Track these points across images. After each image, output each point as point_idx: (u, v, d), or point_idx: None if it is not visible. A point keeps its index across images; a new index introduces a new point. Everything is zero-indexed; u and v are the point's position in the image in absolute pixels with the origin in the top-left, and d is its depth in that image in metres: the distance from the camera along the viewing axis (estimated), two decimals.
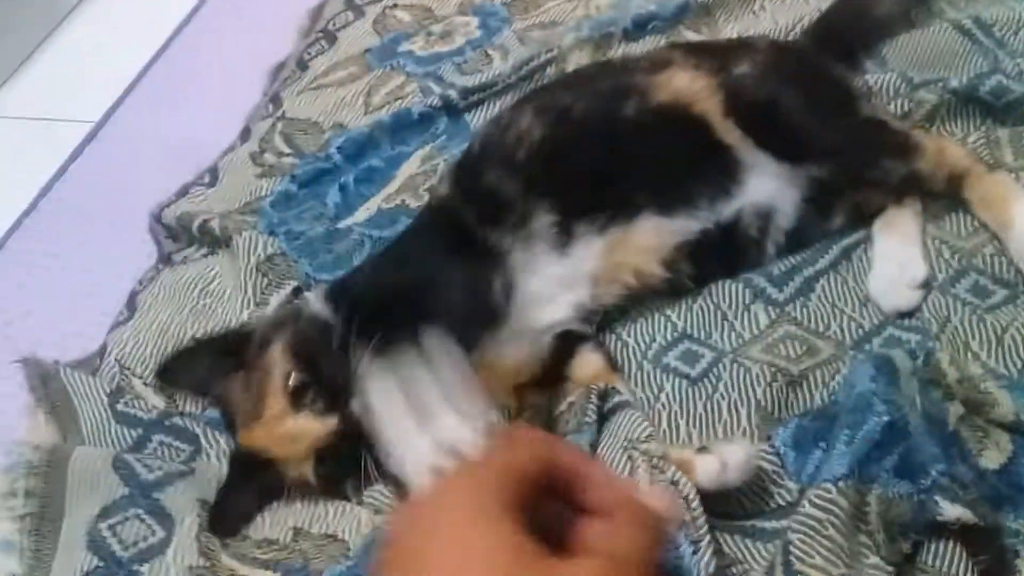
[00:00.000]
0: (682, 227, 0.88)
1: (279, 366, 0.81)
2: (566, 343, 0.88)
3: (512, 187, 0.88)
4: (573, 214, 0.87)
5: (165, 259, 1.14)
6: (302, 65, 1.35)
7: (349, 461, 0.78)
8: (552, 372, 0.87)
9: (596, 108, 0.92)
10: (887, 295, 0.87)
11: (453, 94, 1.18)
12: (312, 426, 0.78)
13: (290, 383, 0.79)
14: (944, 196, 0.92)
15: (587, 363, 0.87)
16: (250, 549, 0.82)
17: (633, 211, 0.88)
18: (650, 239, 0.88)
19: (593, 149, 0.90)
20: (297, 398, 0.79)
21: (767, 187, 0.90)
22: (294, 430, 0.78)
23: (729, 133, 0.90)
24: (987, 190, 0.90)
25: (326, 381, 0.79)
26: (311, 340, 0.82)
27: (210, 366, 0.86)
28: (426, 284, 0.85)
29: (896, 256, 0.89)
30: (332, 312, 0.84)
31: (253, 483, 0.82)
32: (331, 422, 0.78)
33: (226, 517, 0.83)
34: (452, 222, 0.90)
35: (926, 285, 0.87)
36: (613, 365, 0.87)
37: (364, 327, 0.78)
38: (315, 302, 0.87)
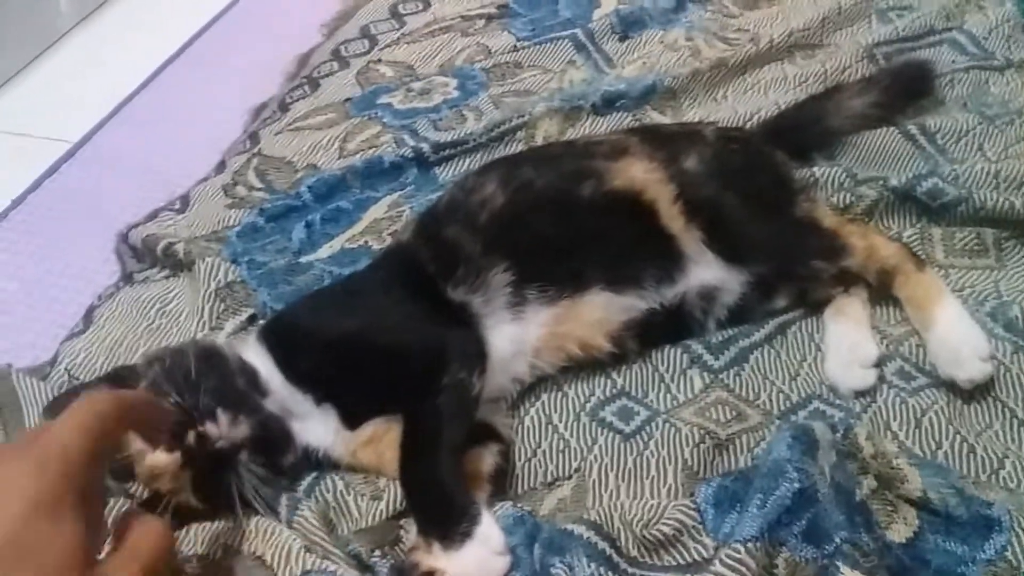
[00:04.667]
0: (630, 304, 0.93)
1: None
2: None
3: (471, 245, 0.92)
4: (527, 279, 0.91)
5: (127, 278, 1.16)
6: (283, 107, 1.40)
7: (219, 484, 0.80)
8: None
9: (556, 184, 0.97)
10: (843, 377, 0.91)
11: (425, 147, 1.23)
12: (162, 460, 0.80)
13: None
14: (876, 289, 0.97)
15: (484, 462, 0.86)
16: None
17: (583, 284, 0.92)
18: (598, 313, 0.92)
19: (549, 221, 0.95)
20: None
21: (710, 275, 0.95)
22: (151, 466, 0.81)
23: (674, 221, 0.94)
24: (913, 290, 0.95)
25: (175, 417, 0.80)
26: (170, 378, 0.83)
27: None
28: (370, 321, 0.89)
29: (848, 341, 0.93)
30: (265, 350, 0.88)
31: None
32: (177, 456, 0.80)
33: None
34: (409, 266, 0.94)
35: (878, 365, 0.91)
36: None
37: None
38: (246, 346, 0.89)
